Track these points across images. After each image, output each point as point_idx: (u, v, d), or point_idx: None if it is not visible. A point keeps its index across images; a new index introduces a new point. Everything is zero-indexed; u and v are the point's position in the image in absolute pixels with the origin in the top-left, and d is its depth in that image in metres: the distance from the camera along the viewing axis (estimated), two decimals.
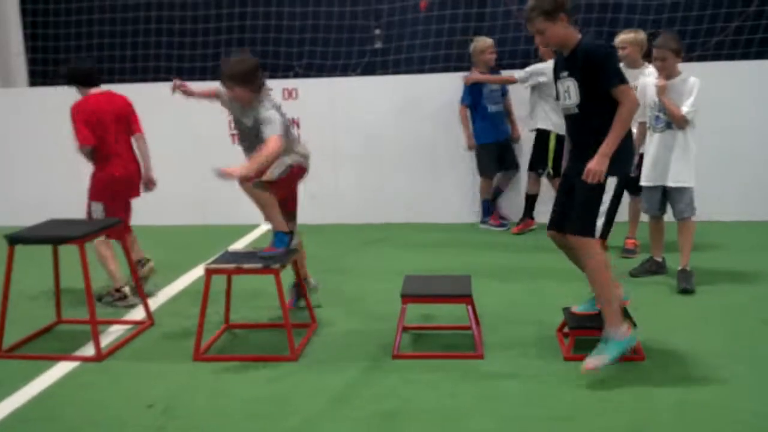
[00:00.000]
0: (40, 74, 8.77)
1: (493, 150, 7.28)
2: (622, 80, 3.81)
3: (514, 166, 7.46)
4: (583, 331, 4.23)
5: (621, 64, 4.68)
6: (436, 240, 7.11)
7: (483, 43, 7.17)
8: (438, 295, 4.41)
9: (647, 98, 5.28)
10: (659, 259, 5.62)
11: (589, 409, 3.57)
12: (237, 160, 7.82)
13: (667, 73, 5.19)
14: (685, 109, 5.12)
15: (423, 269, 5.57)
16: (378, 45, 8.22)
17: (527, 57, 7.76)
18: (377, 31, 8.21)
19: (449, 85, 7.46)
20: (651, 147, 5.33)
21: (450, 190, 7.70)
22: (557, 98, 4.14)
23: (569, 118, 4.04)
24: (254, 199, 4.56)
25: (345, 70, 8.25)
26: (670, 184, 5.28)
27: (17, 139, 8.16)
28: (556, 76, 4.05)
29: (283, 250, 4.50)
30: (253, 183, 4.42)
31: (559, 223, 4.09)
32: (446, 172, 7.68)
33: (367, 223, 7.72)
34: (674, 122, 5.17)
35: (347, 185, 7.83)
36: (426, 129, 7.62)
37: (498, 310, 4.96)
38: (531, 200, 7.21)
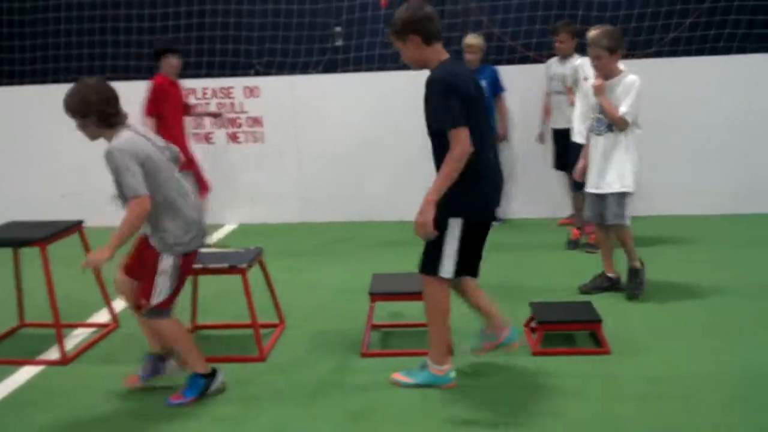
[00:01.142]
0: (6, 74, 8.59)
1: None
2: (455, 123, 3.45)
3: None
4: (550, 325, 4.29)
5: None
6: (404, 238, 7.10)
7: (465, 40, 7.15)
8: (407, 292, 4.42)
9: (589, 99, 5.18)
10: (611, 275, 5.20)
11: (556, 403, 3.62)
12: (198, 159, 7.71)
13: (603, 72, 4.89)
14: (622, 109, 4.81)
15: (391, 268, 5.57)
16: (339, 42, 8.20)
17: (486, 54, 7.82)
18: (337, 29, 8.19)
19: (411, 83, 7.47)
20: (594, 151, 5.01)
21: (414, 187, 7.70)
22: None
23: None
24: (160, 335, 3.82)
25: (306, 68, 8.22)
26: (607, 190, 4.95)
27: None
28: None
29: (192, 400, 3.74)
30: (145, 312, 3.72)
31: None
32: (410, 169, 7.68)
33: (332, 221, 7.71)
34: (613, 124, 4.86)
35: (311, 183, 7.80)
36: (389, 126, 7.62)
37: (465, 306, 4.97)
38: None
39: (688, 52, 7.64)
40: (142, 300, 3.69)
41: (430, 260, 3.68)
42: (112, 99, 3.64)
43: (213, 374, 3.81)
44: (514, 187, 7.49)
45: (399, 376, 3.90)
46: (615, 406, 3.56)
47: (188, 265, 3.78)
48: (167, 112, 6.25)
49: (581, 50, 6.15)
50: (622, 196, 4.93)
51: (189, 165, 6.13)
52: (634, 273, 5.08)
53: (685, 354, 4.14)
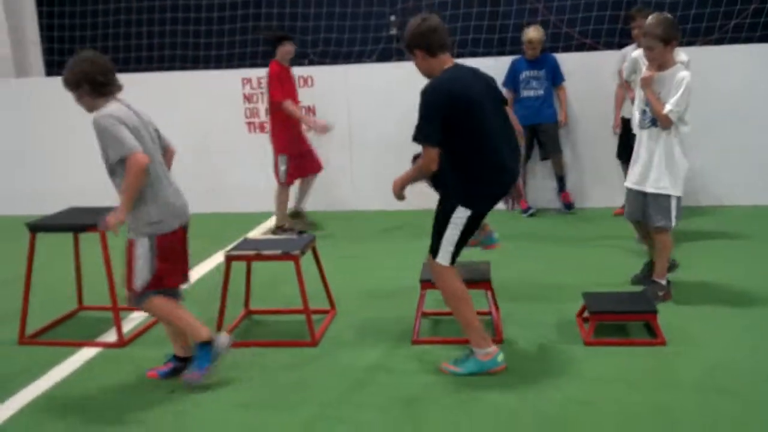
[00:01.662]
0: (57, 64, 8.80)
1: (526, 134, 7.11)
2: (426, 138, 3.67)
3: (553, 151, 7.30)
4: (603, 315, 4.23)
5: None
6: None
7: (524, 35, 7.22)
8: None
9: (638, 91, 4.77)
10: None
11: (609, 393, 3.58)
12: (250, 149, 7.86)
13: (657, 63, 4.54)
14: (668, 107, 4.45)
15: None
16: (393, 31, 8.20)
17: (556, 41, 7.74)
18: (392, 18, 8.19)
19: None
20: (638, 145, 4.74)
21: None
22: None
23: None
24: (155, 316, 4.03)
25: (360, 57, 8.24)
26: (649, 189, 4.66)
27: (34, 129, 8.20)
28: None
29: (206, 370, 3.78)
30: (134, 300, 3.82)
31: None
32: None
33: (384, 210, 7.72)
34: (657, 120, 4.54)
35: (363, 172, 7.83)
36: None
37: (517, 295, 4.96)
38: None
39: (750, 39, 7.44)
40: (127, 292, 3.79)
41: (436, 247, 3.85)
42: (106, 69, 3.71)
43: (211, 341, 3.80)
44: (575, 175, 7.43)
45: (448, 366, 3.89)
46: (670, 397, 3.50)
47: (170, 245, 3.80)
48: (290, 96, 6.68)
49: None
50: (663, 199, 4.61)
51: (303, 145, 6.86)
52: (655, 283, 4.78)
53: (741, 346, 4.05)
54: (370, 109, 7.68)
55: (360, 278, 5.53)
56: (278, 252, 4.34)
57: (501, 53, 7.82)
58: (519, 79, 7.26)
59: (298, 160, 6.81)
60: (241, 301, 4.78)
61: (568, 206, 7.35)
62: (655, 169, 4.61)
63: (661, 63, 4.53)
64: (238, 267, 4.50)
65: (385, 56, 8.23)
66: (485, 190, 3.81)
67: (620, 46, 7.32)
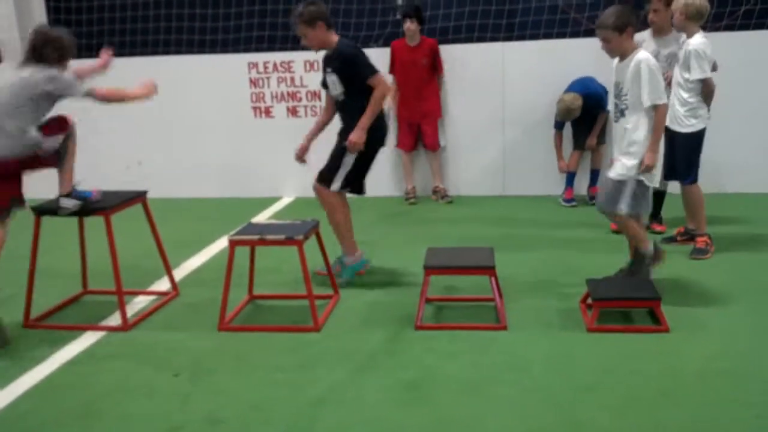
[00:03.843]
0: None
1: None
2: (373, 71, 4.81)
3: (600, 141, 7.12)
4: (606, 302, 4.22)
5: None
6: (459, 213, 7.10)
7: None
8: (461, 266, 4.40)
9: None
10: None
11: (612, 379, 3.57)
12: (256, 134, 7.85)
13: (616, 55, 4.43)
14: (646, 102, 4.30)
15: (445, 242, 5.57)
16: (399, 16, 8.15)
17: (550, 27, 7.69)
18: (399, 1, 8.14)
19: (474, 55, 7.42)
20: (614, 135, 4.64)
21: (475, 163, 7.66)
22: (325, 87, 5.05)
23: (338, 104, 5.01)
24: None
25: (366, 42, 8.20)
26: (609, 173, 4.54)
27: None
28: (324, 71, 4.97)
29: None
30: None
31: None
32: (473, 145, 7.63)
33: (388, 195, 7.72)
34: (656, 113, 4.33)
35: None
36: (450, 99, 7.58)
37: (521, 281, 4.95)
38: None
39: (761, 26, 7.37)
40: None
41: (328, 174, 5.00)
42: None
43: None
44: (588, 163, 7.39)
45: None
46: (673, 383, 3.50)
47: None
48: (396, 72, 7.41)
49: None
50: (618, 184, 4.44)
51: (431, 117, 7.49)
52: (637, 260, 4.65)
53: (744, 332, 4.04)
54: None
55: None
56: (282, 237, 4.34)
57: (508, 38, 7.77)
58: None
59: None
60: (245, 285, 4.79)
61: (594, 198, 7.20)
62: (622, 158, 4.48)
63: (621, 53, 4.40)
64: (243, 251, 4.51)
65: (391, 40, 8.18)
66: (383, 119, 5.01)
67: None
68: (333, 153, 5.02)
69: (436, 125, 7.51)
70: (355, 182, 5.07)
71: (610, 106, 4.66)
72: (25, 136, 4.19)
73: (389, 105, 7.14)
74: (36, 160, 4.32)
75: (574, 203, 7.13)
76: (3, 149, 4.19)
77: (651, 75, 4.28)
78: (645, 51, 4.41)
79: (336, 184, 4.96)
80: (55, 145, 4.37)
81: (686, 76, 5.15)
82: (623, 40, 4.34)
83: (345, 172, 4.95)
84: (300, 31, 4.84)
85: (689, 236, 5.59)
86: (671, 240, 5.70)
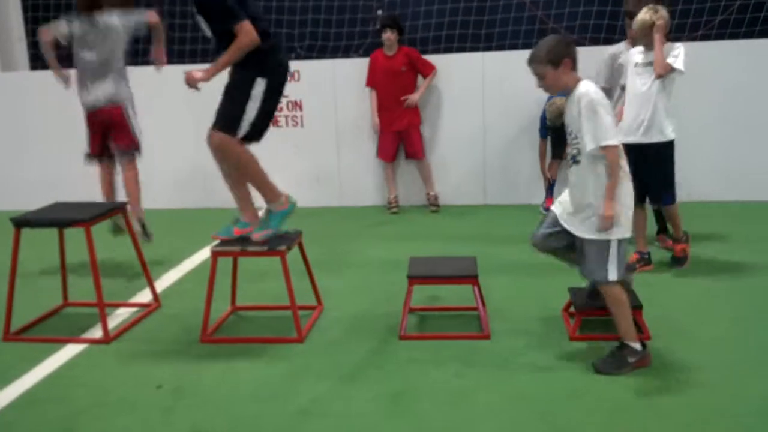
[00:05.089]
0: (41, 58, 8.73)
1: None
2: (236, 18, 4.10)
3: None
4: (589, 311, 4.25)
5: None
6: (441, 222, 7.12)
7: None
8: (444, 276, 4.42)
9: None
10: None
11: (595, 386, 3.59)
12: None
13: (556, 92, 3.91)
14: (602, 143, 3.60)
15: (428, 251, 5.58)
16: (379, 26, 8.18)
17: (529, 37, 7.75)
18: (379, 12, 8.18)
19: (454, 65, 7.45)
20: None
21: (456, 172, 7.69)
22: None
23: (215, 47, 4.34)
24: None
25: (347, 52, 8.22)
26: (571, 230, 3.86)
27: (20, 123, 8.15)
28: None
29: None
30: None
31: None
32: (456, 154, 7.64)
33: (371, 205, 7.72)
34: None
35: (350, 167, 7.82)
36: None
37: (504, 291, 4.97)
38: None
39: (735, 35, 7.48)
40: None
41: (226, 121, 4.25)
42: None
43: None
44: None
45: (258, 235, 4.33)
46: (657, 390, 3.52)
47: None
48: (376, 83, 7.41)
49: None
50: (594, 244, 3.78)
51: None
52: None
53: (726, 340, 4.08)
54: (357, 103, 7.66)
55: (346, 274, 5.53)
56: (264, 248, 4.33)
57: (488, 48, 7.82)
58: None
59: None
60: (227, 296, 4.77)
61: None
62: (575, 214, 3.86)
63: (561, 89, 3.80)
64: (225, 262, 4.49)
65: (372, 50, 8.20)
66: (282, 59, 4.35)
67: (606, 41, 7.34)
68: (231, 96, 4.27)
69: (420, 133, 7.53)
70: (261, 130, 4.39)
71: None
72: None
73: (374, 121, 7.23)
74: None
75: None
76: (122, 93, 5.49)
77: (592, 112, 3.63)
78: (588, 82, 3.74)
79: (242, 131, 4.26)
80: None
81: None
82: (560, 75, 3.70)
83: (251, 117, 4.25)
84: None
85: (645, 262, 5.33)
86: (631, 270, 4.91)
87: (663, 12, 4.97)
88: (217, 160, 4.40)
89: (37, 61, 8.75)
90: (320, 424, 3.37)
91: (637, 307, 4.20)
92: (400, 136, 7.49)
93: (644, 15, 4.98)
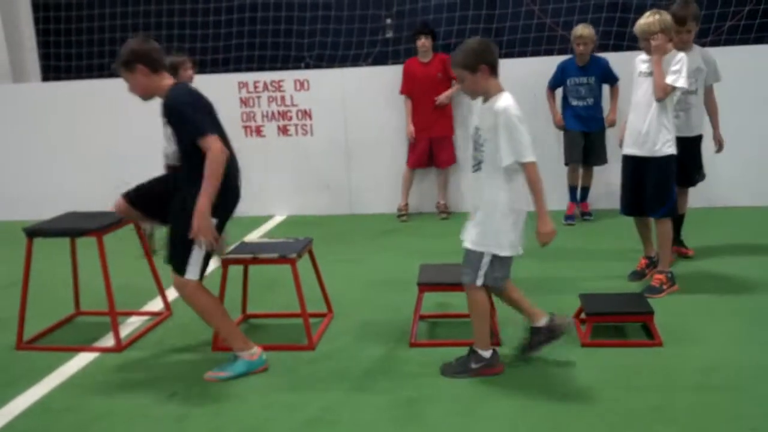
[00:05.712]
0: (53, 69, 8.82)
1: (576, 138, 6.98)
2: (204, 131, 3.68)
3: (598, 161, 7.05)
4: (600, 317, 4.24)
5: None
6: (451, 229, 7.11)
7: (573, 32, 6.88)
8: (454, 283, 4.40)
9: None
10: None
11: (606, 394, 3.58)
12: (247, 153, 7.86)
13: (475, 97, 3.81)
14: (507, 160, 3.64)
15: (439, 258, 5.57)
16: (389, 35, 8.21)
17: (538, 44, 7.76)
18: (388, 21, 8.21)
19: None
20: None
21: (466, 180, 7.69)
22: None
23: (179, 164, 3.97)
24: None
25: (356, 61, 8.25)
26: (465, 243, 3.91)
27: (31, 134, 8.20)
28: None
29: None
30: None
31: None
32: (467, 160, 7.62)
33: (380, 213, 7.73)
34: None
35: (359, 175, 7.83)
36: None
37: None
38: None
39: (745, 41, 7.46)
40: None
41: (178, 261, 3.87)
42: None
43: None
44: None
45: (214, 374, 3.95)
46: (667, 397, 3.51)
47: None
48: (412, 90, 7.34)
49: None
50: (476, 255, 3.88)
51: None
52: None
53: (738, 345, 4.07)
54: (366, 113, 7.68)
55: (357, 281, 5.54)
56: (275, 255, 4.35)
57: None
58: (567, 85, 6.92)
59: None
60: (238, 304, 4.78)
61: (587, 215, 7.19)
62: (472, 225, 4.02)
63: (481, 93, 3.75)
64: (236, 270, 4.50)
65: (380, 59, 8.23)
66: (231, 197, 3.96)
67: (615, 48, 7.34)
68: (178, 232, 3.84)
69: (452, 141, 7.48)
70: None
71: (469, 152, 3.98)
72: None
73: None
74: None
75: (572, 222, 7.06)
76: None
77: (512, 127, 3.59)
78: (508, 95, 3.69)
79: (196, 272, 3.90)
80: None
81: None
82: (478, 80, 3.65)
83: (201, 254, 3.87)
84: (122, 76, 3.92)
85: (654, 265, 5.21)
86: (641, 276, 5.24)
87: (665, 16, 4.71)
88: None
89: (48, 72, 8.84)
90: (332, 431, 3.37)
91: (648, 313, 4.20)
92: (432, 143, 7.44)
93: (645, 20, 4.75)
